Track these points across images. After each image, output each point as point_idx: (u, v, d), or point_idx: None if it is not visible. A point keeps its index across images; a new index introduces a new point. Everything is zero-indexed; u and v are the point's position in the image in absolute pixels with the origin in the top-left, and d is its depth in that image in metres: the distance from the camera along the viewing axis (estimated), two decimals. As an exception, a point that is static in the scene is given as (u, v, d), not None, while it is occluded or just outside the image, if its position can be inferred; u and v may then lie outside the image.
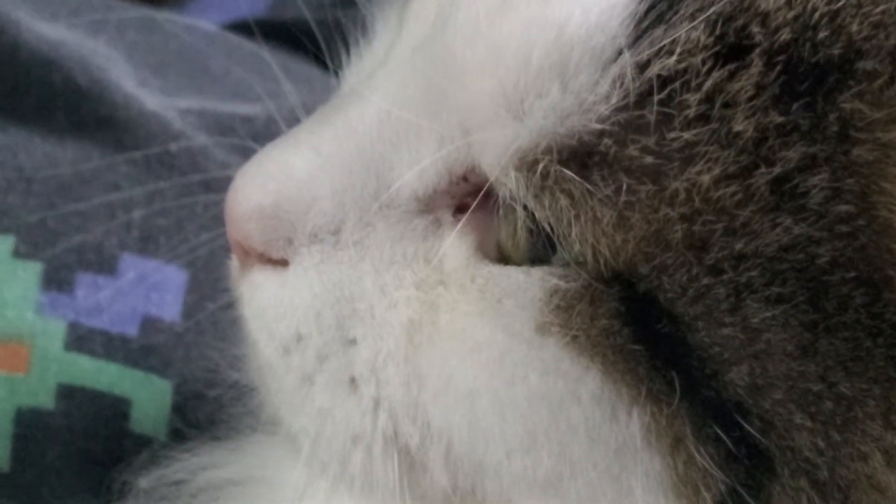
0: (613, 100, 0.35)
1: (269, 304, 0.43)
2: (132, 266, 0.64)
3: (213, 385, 0.52)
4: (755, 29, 0.34)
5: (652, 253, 0.35)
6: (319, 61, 0.51)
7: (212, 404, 0.53)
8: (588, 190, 0.35)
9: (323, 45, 0.49)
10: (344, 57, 0.49)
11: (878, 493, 0.35)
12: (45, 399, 0.59)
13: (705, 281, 0.35)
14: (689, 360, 0.36)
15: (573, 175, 0.35)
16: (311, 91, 0.54)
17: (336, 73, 0.50)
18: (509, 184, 0.37)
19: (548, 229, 0.37)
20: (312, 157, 0.41)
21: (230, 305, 0.47)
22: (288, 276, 0.43)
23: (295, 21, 0.66)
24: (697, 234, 0.35)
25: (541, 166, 0.36)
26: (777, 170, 0.34)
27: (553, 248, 0.38)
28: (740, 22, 0.34)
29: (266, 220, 0.42)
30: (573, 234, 0.36)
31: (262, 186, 0.41)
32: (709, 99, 0.34)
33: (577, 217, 0.36)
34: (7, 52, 0.68)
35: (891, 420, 0.35)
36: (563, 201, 0.36)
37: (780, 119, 0.34)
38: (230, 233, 0.43)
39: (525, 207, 0.37)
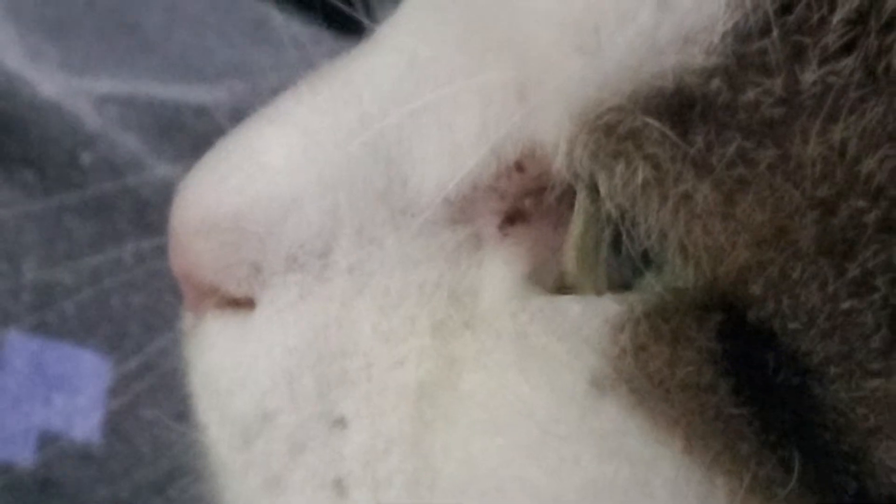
0: (729, 23, 0.28)
1: (224, 368, 0.35)
2: (22, 350, 0.53)
3: None
4: None
5: (772, 260, 0.28)
6: (331, 21, 0.45)
7: None
8: (685, 154, 0.28)
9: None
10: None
11: None
12: None
13: (846, 304, 0.27)
14: (817, 430, 0.29)
15: (666, 129, 0.28)
16: (311, 63, 0.38)
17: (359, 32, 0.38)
18: (577, 154, 0.30)
19: (622, 227, 0.29)
20: (295, 139, 0.33)
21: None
22: (253, 323, 0.34)
23: None
24: (840, 230, 0.27)
25: (620, 123, 0.29)
26: None
27: (642, 269, 0.31)
28: None
29: (223, 234, 0.33)
30: (653, 226, 0.28)
31: (217, 186, 0.33)
32: (861, 17, 0.27)
33: (663, 198, 0.28)
34: None
35: None
36: (647, 172, 0.28)
37: None
38: (173, 260, 0.35)
39: (594, 187, 0.29)
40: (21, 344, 0.52)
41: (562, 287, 0.32)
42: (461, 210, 0.33)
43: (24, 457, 0.51)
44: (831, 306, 0.27)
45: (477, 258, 0.34)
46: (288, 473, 0.34)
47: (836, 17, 0.27)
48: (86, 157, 0.56)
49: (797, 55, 0.27)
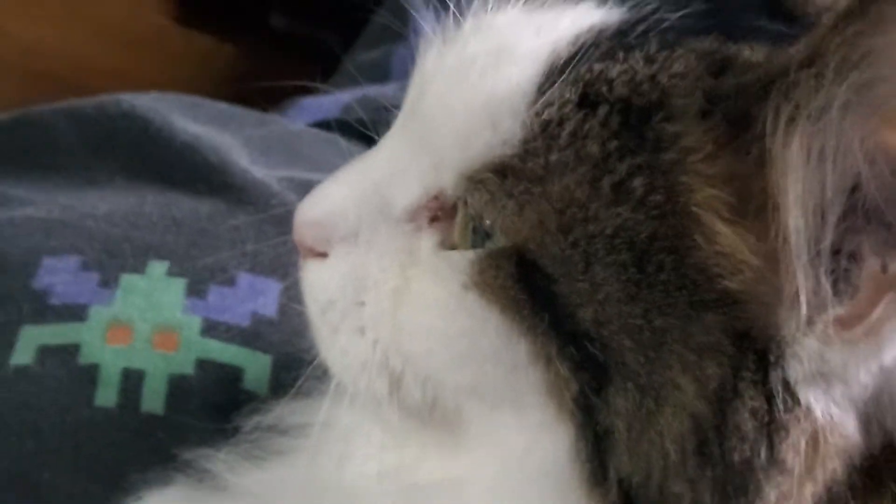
0: (520, 135, 0.41)
1: (315, 282, 0.49)
2: (246, 280, 0.72)
3: (297, 360, 0.55)
4: (603, 89, 0.41)
5: (536, 233, 0.41)
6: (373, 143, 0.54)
7: (296, 373, 0.55)
8: (501, 188, 0.41)
9: (375, 135, 0.52)
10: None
11: (677, 391, 0.39)
12: (188, 369, 0.67)
13: (568, 252, 0.41)
14: (556, 304, 0.41)
15: (493, 179, 0.42)
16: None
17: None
18: (459, 191, 0.43)
19: (477, 222, 0.43)
20: (344, 189, 0.47)
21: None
22: (327, 263, 0.48)
23: (358, 120, 0.73)
24: (565, 221, 0.41)
25: (477, 177, 0.42)
26: (615, 176, 0.40)
27: (483, 241, 0.43)
28: (596, 86, 0.41)
29: (314, 227, 0.48)
30: (490, 219, 0.42)
31: (312, 207, 0.48)
32: (573, 133, 0.40)
33: (493, 205, 0.42)
34: (166, 141, 0.79)
35: (687, 343, 0.39)
36: (486, 197, 0.42)
37: (616, 143, 0.40)
38: (295, 236, 0.48)
39: (466, 205, 0.43)
40: (245, 277, 0.72)
41: (452, 247, 0.45)
42: (412, 216, 0.46)
43: (245, 324, 0.70)
44: (562, 253, 0.41)
45: (418, 236, 0.46)
46: (340, 326, 0.48)
47: (565, 132, 0.41)
48: (274, 201, 0.76)
49: (549, 148, 0.41)
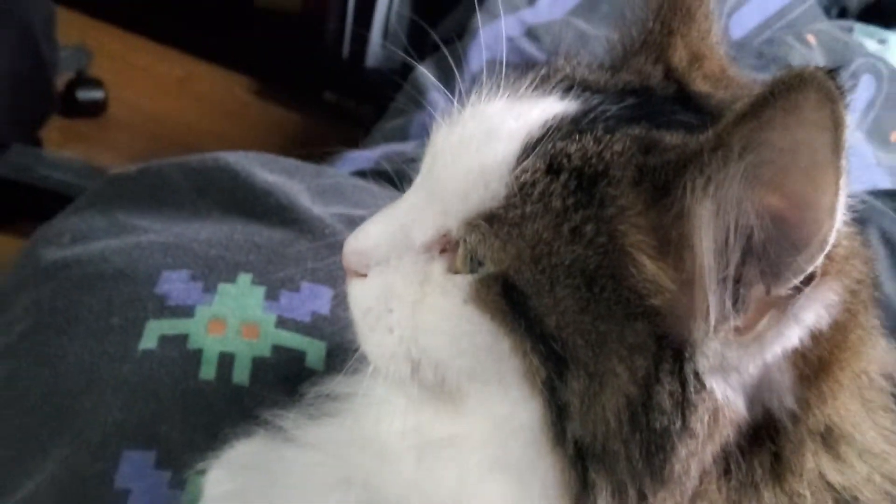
0: (504, 193, 0.41)
1: (358, 295, 0.48)
2: (308, 288, 0.71)
3: (344, 347, 0.55)
4: (564, 161, 0.41)
5: (515, 263, 0.41)
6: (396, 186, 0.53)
7: (343, 356, 0.54)
8: (490, 231, 0.42)
9: (398, 181, 0.52)
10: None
11: (615, 377, 0.39)
12: (266, 352, 0.66)
13: (538, 277, 0.40)
14: (529, 314, 0.41)
15: (483, 224, 0.42)
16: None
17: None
18: (461, 232, 0.43)
19: (473, 254, 0.43)
20: (380, 228, 0.46)
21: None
22: (366, 282, 0.47)
23: (388, 170, 0.67)
24: (536, 255, 0.41)
25: (473, 222, 0.42)
26: (572, 223, 0.40)
27: (478, 268, 0.43)
28: (558, 159, 0.41)
29: (357, 256, 0.47)
30: (482, 253, 0.42)
31: (356, 241, 0.47)
32: (542, 192, 0.40)
33: (482, 244, 0.42)
34: (250, 186, 0.78)
35: (622, 343, 0.39)
36: (480, 236, 0.42)
37: (573, 200, 0.40)
38: (343, 262, 0.47)
39: (465, 242, 0.43)
40: (308, 286, 0.71)
41: (456, 271, 0.44)
42: (427, 249, 0.45)
43: (307, 319, 0.68)
44: (533, 277, 0.40)
45: (431, 263, 0.45)
46: (375, 325, 0.47)
47: (536, 190, 0.40)
48: (327, 230, 0.75)
49: (524, 202, 0.41)
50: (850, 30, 1.34)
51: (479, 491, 0.44)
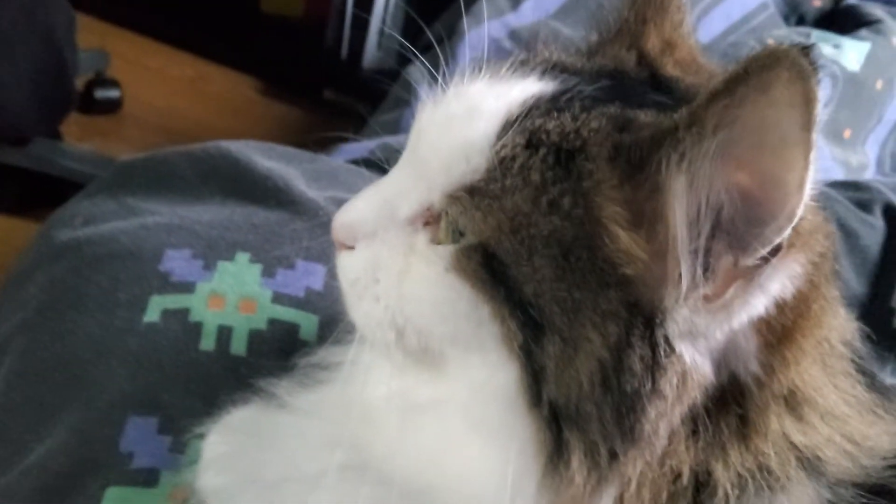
0: (485, 167, 0.40)
1: (346, 265, 0.46)
2: (302, 265, 0.70)
3: (335, 319, 0.52)
4: (542, 137, 0.40)
5: (496, 234, 0.40)
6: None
7: (334, 327, 0.53)
8: (471, 203, 0.41)
9: (389, 169, 0.49)
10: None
11: (588, 342, 0.39)
12: (262, 325, 0.65)
13: (517, 247, 0.40)
14: (508, 282, 0.40)
15: (465, 196, 0.41)
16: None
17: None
18: (443, 204, 0.42)
19: (455, 225, 0.42)
20: (367, 202, 0.45)
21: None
22: (353, 253, 0.46)
23: (379, 159, 0.73)
24: (515, 226, 0.40)
25: (455, 194, 0.41)
26: (550, 196, 0.39)
27: (459, 239, 0.42)
28: (537, 134, 0.40)
29: (345, 229, 0.46)
30: (463, 224, 0.41)
31: (344, 214, 0.46)
32: (521, 166, 0.40)
33: (463, 216, 0.41)
34: (249, 172, 0.76)
35: (596, 310, 0.38)
36: (461, 208, 0.41)
37: (551, 174, 0.39)
38: (333, 235, 0.46)
39: (447, 214, 0.42)
40: (301, 263, 0.69)
41: (438, 242, 0.43)
42: (412, 221, 0.44)
43: (301, 295, 0.67)
44: (512, 247, 0.39)
45: (415, 235, 0.44)
46: (362, 295, 0.45)
47: (516, 164, 0.39)
48: (321, 212, 0.73)
49: (504, 175, 0.40)
50: (808, 36, 1.34)
51: (459, 451, 0.43)
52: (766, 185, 0.34)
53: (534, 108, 0.41)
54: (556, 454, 0.39)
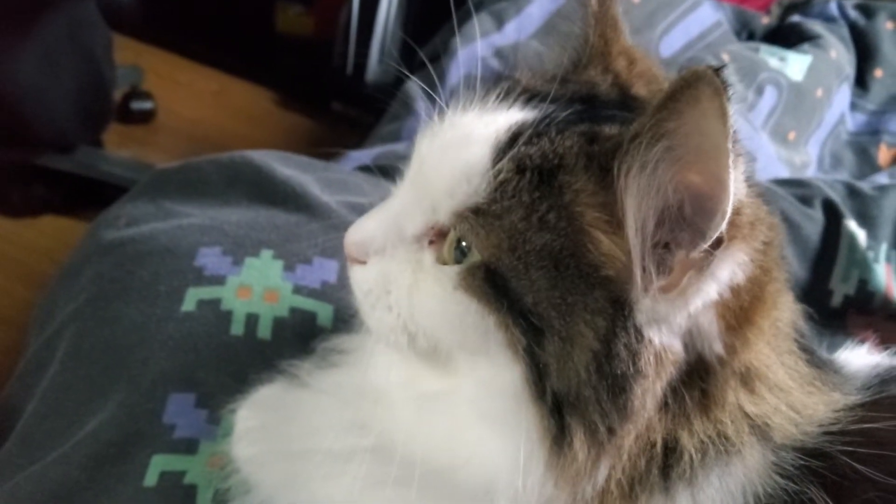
0: (485, 188, 0.40)
1: (359, 279, 0.45)
2: (318, 261, 0.69)
3: (348, 309, 0.50)
4: (528, 161, 0.39)
5: (496, 252, 0.39)
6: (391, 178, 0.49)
7: (348, 316, 0.52)
8: (476, 222, 0.40)
9: (392, 176, 0.48)
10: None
11: (582, 337, 0.38)
12: (285, 313, 0.64)
13: (515, 263, 0.39)
14: (510, 295, 0.39)
15: (471, 216, 0.40)
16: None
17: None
18: (449, 222, 0.41)
19: (464, 241, 0.41)
20: (375, 222, 0.44)
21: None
22: (365, 268, 0.45)
23: (385, 165, 0.74)
24: (513, 243, 0.39)
25: (460, 214, 0.40)
26: (539, 213, 0.38)
27: (463, 257, 0.41)
28: (525, 161, 0.39)
29: (356, 246, 0.44)
30: (470, 240, 0.40)
31: (355, 233, 0.44)
32: (515, 188, 0.39)
33: (471, 233, 0.40)
34: (270, 178, 0.76)
35: (586, 309, 0.38)
36: (467, 228, 0.40)
37: (537, 193, 0.38)
38: (345, 251, 0.45)
39: (455, 230, 0.40)
40: (318, 260, 0.69)
41: (444, 262, 0.41)
42: (417, 239, 0.43)
43: (318, 286, 0.67)
44: (511, 262, 0.39)
45: (422, 252, 0.43)
46: (376, 305, 0.44)
47: (510, 187, 0.39)
48: (333, 215, 0.73)
49: (502, 197, 0.39)
50: (757, 49, 1.34)
51: (470, 437, 0.42)
52: (711, 182, 0.34)
53: (518, 135, 0.40)
54: (559, 437, 0.39)
